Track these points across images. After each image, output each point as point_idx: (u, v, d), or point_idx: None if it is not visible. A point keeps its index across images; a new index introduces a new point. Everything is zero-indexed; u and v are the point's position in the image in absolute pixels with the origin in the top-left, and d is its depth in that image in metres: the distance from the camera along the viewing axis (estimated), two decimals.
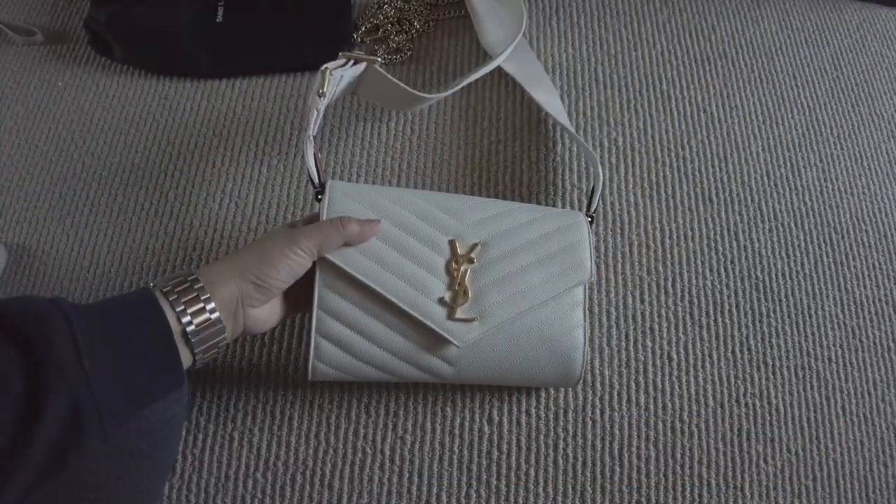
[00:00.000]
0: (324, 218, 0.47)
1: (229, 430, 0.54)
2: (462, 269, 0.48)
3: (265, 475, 0.53)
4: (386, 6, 0.75)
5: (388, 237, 0.47)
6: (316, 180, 0.49)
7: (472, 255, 0.48)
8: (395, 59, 0.72)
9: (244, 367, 0.56)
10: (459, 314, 0.47)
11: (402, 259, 0.47)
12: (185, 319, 0.40)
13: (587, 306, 0.50)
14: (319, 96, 0.51)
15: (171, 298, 0.40)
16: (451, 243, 0.48)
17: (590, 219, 0.55)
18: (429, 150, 0.67)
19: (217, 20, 0.70)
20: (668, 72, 0.72)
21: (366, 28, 0.74)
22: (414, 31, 0.74)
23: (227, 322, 0.42)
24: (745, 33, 0.76)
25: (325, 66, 0.53)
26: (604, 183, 0.65)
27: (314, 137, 0.51)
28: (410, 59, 0.72)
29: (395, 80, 0.59)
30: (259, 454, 0.53)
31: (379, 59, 0.57)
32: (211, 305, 0.41)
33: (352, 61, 0.56)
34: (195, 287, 0.41)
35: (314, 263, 0.46)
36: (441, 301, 0.47)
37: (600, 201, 0.64)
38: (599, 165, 0.59)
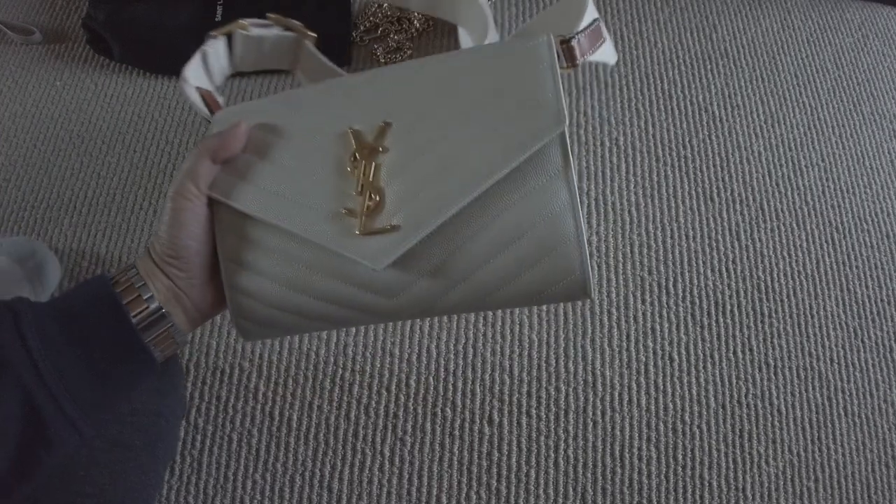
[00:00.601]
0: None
1: (228, 432, 0.54)
2: (369, 163, 0.35)
3: (264, 476, 0.52)
4: (386, 5, 0.75)
5: (268, 150, 0.37)
6: (206, 113, 0.42)
7: (382, 142, 0.35)
8: (395, 58, 0.72)
9: (244, 367, 0.56)
10: (372, 225, 0.34)
11: (286, 173, 0.36)
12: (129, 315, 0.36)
13: (575, 176, 0.36)
14: (212, 37, 0.46)
15: (116, 292, 0.37)
16: (350, 133, 0.36)
17: (564, 42, 0.37)
18: None
19: (216, 20, 0.69)
20: (670, 71, 0.72)
21: (366, 27, 0.74)
22: (413, 30, 0.73)
23: (173, 310, 0.38)
24: (746, 32, 0.75)
25: (242, 20, 0.46)
26: (604, 181, 0.64)
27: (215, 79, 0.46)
28: (410, 58, 0.72)
29: (327, 61, 0.50)
30: (258, 455, 0.53)
31: (313, 36, 0.49)
32: (148, 295, 0.37)
33: (279, 27, 0.48)
34: (130, 277, 0.37)
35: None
36: (345, 213, 0.35)
37: (602, 197, 0.64)
38: None
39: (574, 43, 0.37)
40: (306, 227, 0.35)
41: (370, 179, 0.35)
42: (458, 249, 0.35)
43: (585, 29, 0.38)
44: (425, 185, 0.34)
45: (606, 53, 0.41)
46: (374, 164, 0.35)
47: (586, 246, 0.35)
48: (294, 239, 0.36)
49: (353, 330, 0.58)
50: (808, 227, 0.63)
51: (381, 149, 0.35)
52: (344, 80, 0.38)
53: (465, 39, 0.67)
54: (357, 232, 0.34)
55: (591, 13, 0.40)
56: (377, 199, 0.34)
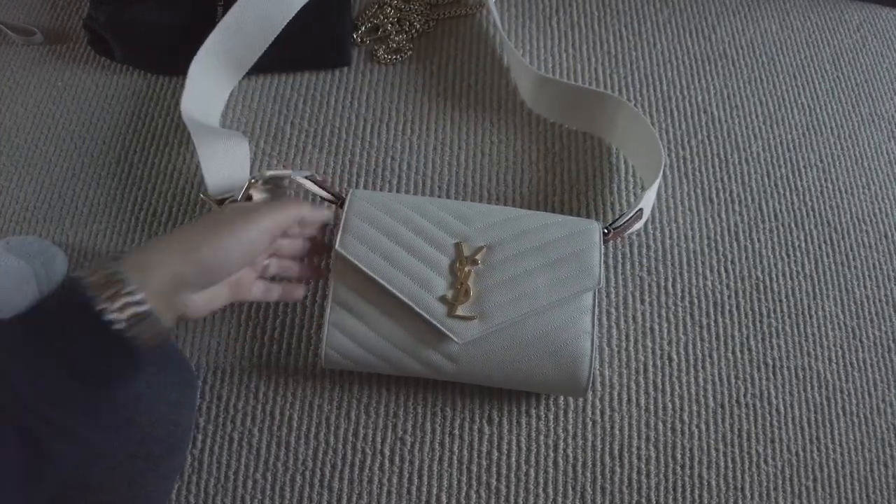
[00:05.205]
0: (342, 219, 0.51)
1: (229, 431, 0.54)
2: (466, 269, 0.50)
3: (265, 476, 0.53)
4: (386, 6, 0.75)
5: (400, 238, 0.51)
6: (331, 196, 0.55)
7: (477, 257, 0.51)
8: (396, 58, 0.72)
9: (243, 367, 0.56)
10: (459, 312, 0.49)
11: (409, 257, 0.50)
12: (110, 317, 0.35)
13: (597, 314, 0.50)
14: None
15: (89, 294, 0.35)
16: (457, 245, 0.51)
17: (606, 231, 0.54)
18: (429, 150, 0.67)
19: (217, 20, 0.69)
20: (669, 72, 0.72)
21: (366, 28, 0.74)
22: (414, 30, 0.74)
23: (160, 308, 0.37)
24: (745, 33, 0.76)
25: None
26: (603, 182, 0.65)
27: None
28: (411, 59, 0.72)
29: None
30: (259, 455, 0.53)
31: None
32: (139, 297, 0.35)
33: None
34: (117, 279, 0.36)
35: (329, 260, 0.48)
36: (443, 299, 0.50)
37: (600, 198, 0.64)
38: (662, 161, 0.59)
39: (612, 230, 0.54)
40: (415, 299, 0.49)
41: (465, 281, 0.50)
42: (508, 339, 0.50)
43: (629, 219, 0.55)
44: (499, 294, 0.50)
45: (636, 227, 0.58)
46: (469, 269, 0.50)
47: (597, 360, 0.52)
48: (400, 305, 0.49)
49: None
50: (807, 228, 0.64)
51: (477, 261, 0.50)
52: (464, 206, 0.53)
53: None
54: (447, 314, 0.49)
55: (646, 201, 0.57)
56: (466, 294, 0.49)
